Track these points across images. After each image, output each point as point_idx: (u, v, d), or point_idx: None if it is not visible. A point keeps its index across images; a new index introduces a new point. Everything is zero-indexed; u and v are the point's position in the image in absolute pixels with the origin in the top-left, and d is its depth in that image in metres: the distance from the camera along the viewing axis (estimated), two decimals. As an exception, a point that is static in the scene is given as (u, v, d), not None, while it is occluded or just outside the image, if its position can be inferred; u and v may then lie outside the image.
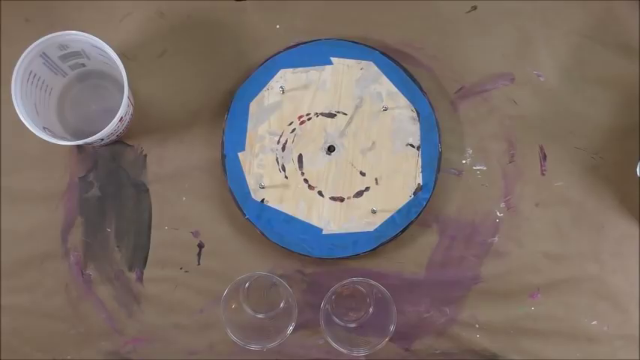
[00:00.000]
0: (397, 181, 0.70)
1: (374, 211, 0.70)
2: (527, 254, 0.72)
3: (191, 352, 0.72)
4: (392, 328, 0.66)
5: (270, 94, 0.71)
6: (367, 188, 0.70)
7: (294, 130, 0.71)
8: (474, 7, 0.74)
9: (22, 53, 0.63)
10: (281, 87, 0.71)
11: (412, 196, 0.70)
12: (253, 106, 0.71)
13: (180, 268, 0.72)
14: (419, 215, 0.70)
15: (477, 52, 0.74)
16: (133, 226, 0.72)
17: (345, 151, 0.71)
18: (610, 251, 0.72)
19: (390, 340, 0.66)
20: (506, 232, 0.72)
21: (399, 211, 0.70)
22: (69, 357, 0.72)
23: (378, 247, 0.70)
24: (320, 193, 0.70)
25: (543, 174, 0.73)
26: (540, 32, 0.74)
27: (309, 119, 0.71)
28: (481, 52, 0.74)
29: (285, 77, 0.71)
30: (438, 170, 0.70)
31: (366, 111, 0.71)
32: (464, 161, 0.73)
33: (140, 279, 0.72)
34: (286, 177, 0.71)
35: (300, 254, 0.70)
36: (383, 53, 0.71)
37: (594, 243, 0.72)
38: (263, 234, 0.70)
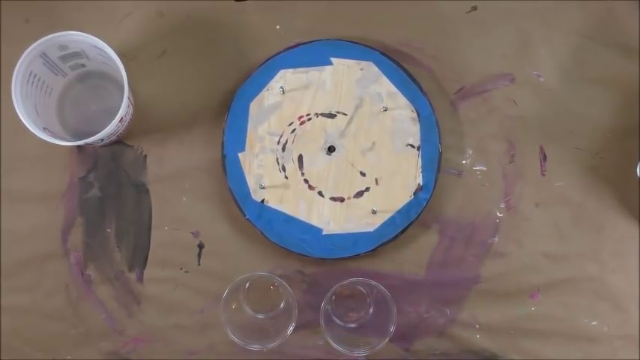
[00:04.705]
0: (397, 181, 0.70)
1: (374, 212, 0.70)
2: (527, 254, 0.72)
3: (191, 352, 0.72)
4: (392, 328, 0.66)
5: (270, 94, 0.71)
6: (367, 188, 0.70)
7: (294, 130, 0.71)
8: (474, 7, 0.74)
9: (22, 53, 0.63)
10: (281, 87, 0.71)
11: (412, 196, 0.70)
12: (253, 107, 0.71)
13: (181, 269, 0.72)
14: (419, 216, 0.70)
15: (477, 52, 0.74)
16: (133, 227, 0.72)
17: (345, 152, 0.71)
18: (610, 251, 0.72)
19: (390, 340, 0.66)
20: (506, 233, 0.72)
21: (399, 212, 0.70)
22: (69, 357, 0.72)
23: (378, 247, 0.70)
24: (320, 193, 0.70)
25: (543, 174, 0.73)
26: (540, 32, 0.74)
27: (309, 119, 0.71)
28: (481, 52, 0.74)
29: (285, 78, 0.71)
30: (438, 170, 0.70)
31: (366, 111, 0.71)
32: (464, 161, 0.73)
33: (140, 279, 0.72)
34: (286, 177, 0.71)
35: (301, 254, 0.70)
36: (383, 53, 0.71)
37: (594, 243, 0.72)
38: (263, 234, 0.70)
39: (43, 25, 0.72)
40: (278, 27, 0.74)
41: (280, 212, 0.70)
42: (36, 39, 0.64)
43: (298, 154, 0.71)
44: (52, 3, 0.73)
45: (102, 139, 0.66)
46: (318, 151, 0.71)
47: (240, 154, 0.71)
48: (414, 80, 0.71)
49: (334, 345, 0.66)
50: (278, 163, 0.71)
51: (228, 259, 0.72)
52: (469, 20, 0.74)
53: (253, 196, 0.70)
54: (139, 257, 0.72)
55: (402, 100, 0.71)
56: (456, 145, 0.73)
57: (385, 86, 0.71)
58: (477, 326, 0.72)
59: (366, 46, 0.72)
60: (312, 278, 0.72)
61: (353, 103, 0.71)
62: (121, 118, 0.65)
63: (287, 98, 0.71)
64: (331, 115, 0.71)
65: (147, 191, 0.72)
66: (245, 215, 0.70)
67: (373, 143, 0.71)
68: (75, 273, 0.72)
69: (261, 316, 0.72)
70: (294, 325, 0.67)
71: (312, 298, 0.72)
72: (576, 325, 0.72)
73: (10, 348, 0.72)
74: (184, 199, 0.72)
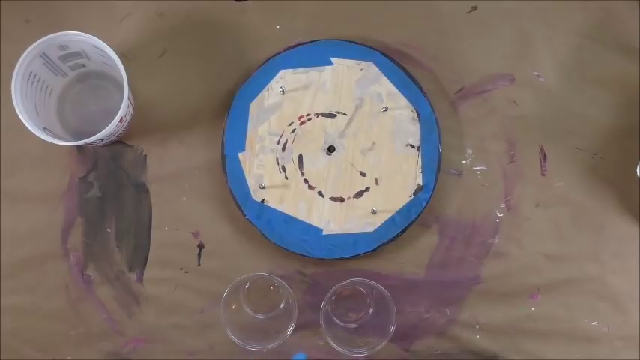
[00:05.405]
0: (397, 181, 0.70)
1: (374, 212, 0.70)
2: (527, 255, 0.72)
3: (191, 352, 0.72)
4: (392, 328, 0.66)
5: (270, 94, 0.71)
6: (367, 189, 0.70)
7: (294, 130, 0.71)
8: (474, 8, 0.74)
9: (22, 53, 0.63)
10: (281, 87, 0.71)
11: (412, 196, 0.70)
12: (253, 107, 0.71)
13: (181, 269, 0.72)
14: (419, 216, 0.70)
15: (477, 52, 0.74)
16: (133, 227, 0.72)
17: (345, 152, 0.71)
18: (610, 252, 0.72)
19: (390, 340, 0.66)
20: (506, 233, 0.72)
21: (399, 212, 0.70)
22: (69, 357, 0.72)
23: (378, 247, 0.70)
24: (320, 193, 0.70)
25: (543, 174, 0.73)
26: (540, 32, 0.74)
27: (309, 120, 0.71)
28: (481, 52, 0.74)
29: (285, 78, 0.71)
30: (438, 171, 0.70)
31: (366, 111, 0.71)
32: (464, 162, 0.73)
33: (140, 279, 0.72)
34: (286, 177, 0.71)
35: (301, 255, 0.70)
36: (383, 54, 0.71)
37: (594, 243, 0.72)
38: (263, 234, 0.70)
39: (43, 25, 0.72)
40: (278, 27, 0.74)
41: (280, 212, 0.70)
42: (36, 39, 0.64)
43: (298, 155, 0.71)
44: (52, 3, 0.73)
45: (102, 139, 0.66)
46: (318, 151, 0.71)
47: (240, 155, 0.71)
48: (414, 80, 0.71)
49: (334, 345, 0.66)
50: (278, 164, 0.71)
51: (228, 259, 0.72)
52: (469, 20, 0.74)
53: (253, 196, 0.70)
54: (139, 257, 0.72)
55: (402, 100, 0.71)
56: (456, 145, 0.73)
57: (385, 86, 0.71)
58: (477, 326, 0.72)
59: (366, 46, 0.72)
60: (312, 278, 0.72)
61: (353, 103, 0.71)
62: (121, 118, 0.65)
63: (287, 98, 0.71)
64: (331, 115, 0.71)
65: (147, 191, 0.72)
66: (245, 215, 0.70)
67: (373, 143, 0.71)
68: (75, 273, 0.72)
69: (261, 316, 0.72)
70: (294, 325, 0.67)
71: (312, 298, 0.72)
72: (576, 325, 0.72)
73: (10, 348, 0.72)
74: (184, 199, 0.72)
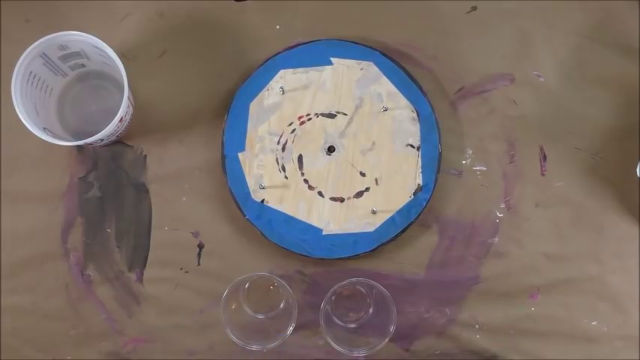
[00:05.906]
0: (397, 181, 0.70)
1: (374, 212, 0.70)
2: (527, 255, 0.72)
3: (191, 352, 0.72)
4: (392, 328, 0.66)
5: (270, 94, 0.71)
6: (367, 189, 0.70)
7: (294, 130, 0.71)
8: (474, 8, 0.74)
9: (22, 53, 0.63)
10: (281, 87, 0.71)
11: (412, 196, 0.70)
12: (253, 107, 0.71)
13: (180, 269, 0.72)
14: (419, 216, 0.70)
15: (477, 52, 0.74)
16: (133, 227, 0.72)
17: (345, 152, 0.71)
18: (610, 252, 0.72)
19: (390, 340, 0.66)
20: (506, 233, 0.72)
21: (399, 212, 0.70)
22: (69, 357, 0.72)
23: (378, 247, 0.70)
24: (320, 193, 0.70)
25: (543, 174, 0.73)
26: (540, 32, 0.74)
27: (309, 120, 0.71)
28: (481, 52, 0.74)
29: (285, 78, 0.71)
30: (438, 171, 0.70)
31: (366, 111, 0.71)
32: (464, 162, 0.73)
33: (140, 279, 0.72)
34: (286, 177, 0.71)
35: (300, 255, 0.70)
36: (383, 54, 0.71)
37: (594, 243, 0.72)
38: (263, 234, 0.70)
39: (43, 25, 0.72)
40: (278, 27, 0.74)
41: (280, 212, 0.70)
42: (36, 39, 0.64)
43: (298, 154, 0.71)
44: (52, 3, 0.73)
45: (102, 139, 0.66)
46: (318, 151, 0.71)
47: (240, 154, 0.71)
48: (414, 80, 0.71)
49: (334, 345, 0.66)
50: (278, 163, 0.71)
51: (228, 259, 0.72)
52: (469, 20, 0.74)
53: (253, 196, 0.70)
54: (139, 257, 0.72)
55: (402, 100, 0.71)
56: (456, 145, 0.73)
57: (385, 86, 0.71)
58: (477, 326, 0.72)
59: (366, 46, 0.72)
60: (312, 278, 0.72)
61: (353, 103, 0.71)
62: (121, 118, 0.65)
63: (287, 98, 0.71)
64: (331, 115, 0.71)
65: (147, 191, 0.72)
66: (245, 215, 0.70)
67: (373, 143, 0.71)
68: (75, 273, 0.72)
69: (261, 316, 0.72)
70: (294, 325, 0.67)
71: (312, 298, 0.72)
72: (576, 325, 0.72)
73: (10, 348, 0.72)
74: (184, 199, 0.72)
